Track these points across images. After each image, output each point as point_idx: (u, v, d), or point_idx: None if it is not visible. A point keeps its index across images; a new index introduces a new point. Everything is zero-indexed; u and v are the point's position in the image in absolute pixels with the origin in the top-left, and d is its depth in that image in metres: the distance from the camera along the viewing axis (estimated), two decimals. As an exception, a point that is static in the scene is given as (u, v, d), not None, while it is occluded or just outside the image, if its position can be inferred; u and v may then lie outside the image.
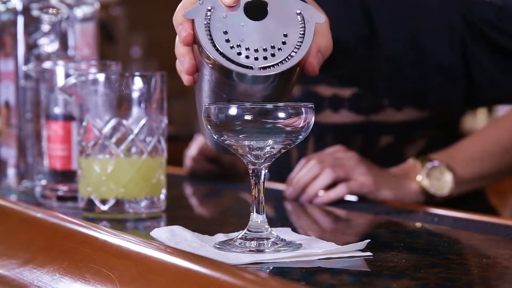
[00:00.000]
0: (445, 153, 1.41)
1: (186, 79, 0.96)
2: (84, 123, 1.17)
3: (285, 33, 0.92)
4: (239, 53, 0.92)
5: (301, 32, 0.93)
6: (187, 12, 0.91)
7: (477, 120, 3.12)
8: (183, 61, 0.94)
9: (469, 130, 2.75)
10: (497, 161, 1.43)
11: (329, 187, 1.31)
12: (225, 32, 0.92)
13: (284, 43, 0.92)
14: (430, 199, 1.37)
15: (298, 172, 1.33)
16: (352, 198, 1.34)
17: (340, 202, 1.31)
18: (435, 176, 1.37)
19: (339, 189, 1.30)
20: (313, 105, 0.93)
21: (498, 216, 1.24)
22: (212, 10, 0.92)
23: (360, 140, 1.53)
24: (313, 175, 1.30)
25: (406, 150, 1.52)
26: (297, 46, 0.92)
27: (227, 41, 0.91)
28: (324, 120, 1.54)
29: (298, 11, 0.93)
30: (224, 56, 0.91)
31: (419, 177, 1.37)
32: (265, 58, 0.92)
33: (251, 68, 0.91)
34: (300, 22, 0.93)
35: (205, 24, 0.91)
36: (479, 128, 2.72)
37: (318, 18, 0.93)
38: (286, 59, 0.92)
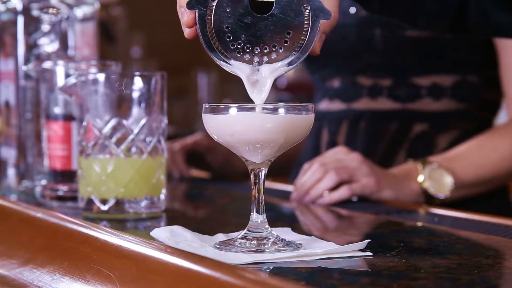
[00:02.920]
0: (444, 157, 1.42)
1: (186, 32, 0.93)
2: (84, 123, 1.17)
3: (288, 30, 0.92)
4: (239, 52, 0.91)
5: (305, 32, 0.92)
6: (190, 3, 0.90)
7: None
8: (183, 13, 0.91)
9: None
10: (494, 167, 1.44)
11: (333, 188, 1.31)
12: (227, 28, 0.91)
13: (286, 42, 0.92)
14: (430, 200, 1.38)
15: (302, 176, 1.33)
16: (353, 198, 1.34)
17: (340, 202, 1.31)
18: (435, 178, 1.38)
19: (342, 191, 1.30)
20: (313, 105, 0.93)
21: (498, 216, 1.24)
22: (216, 0, 0.91)
23: (394, 127, 1.54)
24: (316, 178, 1.31)
25: (439, 139, 1.53)
26: (299, 45, 0.92)
27: (228, 37, 0.91)
28: (361, 106, 1.56)
29: (305, 6, 0.92)
30: (221, 54, 0.91)
31: (420, 178, 1.37)
32: (265, 57, 0.92)
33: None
34: (306, 19, 0.92)
35: (207, 17, 0.90)
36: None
37: (325, 15, 0.91)
38: (286, 60, 0.92)
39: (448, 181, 1.38)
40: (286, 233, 0.99)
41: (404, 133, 1.54)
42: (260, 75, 0.92)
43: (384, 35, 1.52)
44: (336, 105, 1.61)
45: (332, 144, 1.60)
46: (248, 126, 0.90)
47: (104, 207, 1.16)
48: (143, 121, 1.17)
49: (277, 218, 1.21)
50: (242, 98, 4.28)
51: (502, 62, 1.48)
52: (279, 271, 0.85)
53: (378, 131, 1.55)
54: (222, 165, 1.69)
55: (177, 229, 0.96)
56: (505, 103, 1.52)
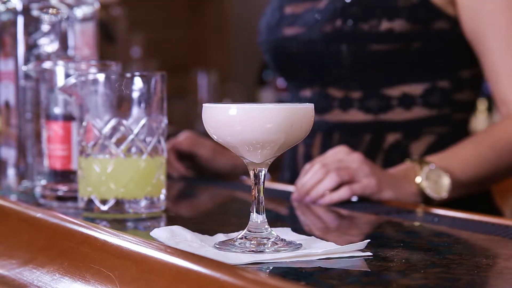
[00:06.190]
0: (441, 157, 1.41)
1: None
2: (84, 123, 1.17)
3: None
4: None
5: None
6: None
7: (477, 120, 3.12)
8: None
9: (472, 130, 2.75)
10: (492, 166, 1.44)
11: (333, 188, 1.31)
12: None
13: None
14: (427, 201, 1.37)
15: (303, 177, 1.33)
16: (353, 198, 1.34)
17: (341, 202, 1.31)
18: (433, 179, 1.37)
19: (342, 192, 1.30)
20: (312, 106, 0.93)
21: (498, 216, 1.24)
22: None
23: (368, 138, 1.54)
24: (317, 179, 1.31)
25: (413, 147, 1.53)
26: None
27: None
28: (333, 118, 1.55)
29: None
30: None
31: (418, 179, 1.37)
32: None
33: None
34: None
35: None
36: (479, 129, 2.71)
37: None
38: None
39: (445, 182, 1.38)
40: (286, 233, 0.99)
41: (378, 143, 1.54)
42: None
43: (351, 50, 1.51)
44: None
45: (307, 156, 1.59)
46: (248, 126, 0.90)
47: (104, 207, 1.16)
48: (143, 121, 1.17)
49: (277, 218, 1.21)
50: (242, 98, 4.27)
51: (488, 67, 1.47)
52: (279, 271, 0.85)
53: (351, 143, 1.54)
54: (209, 161, 1.68)
55: (177, 229, 0.96)
56: (496, 105, 1.51)
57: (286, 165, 1.67)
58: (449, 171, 1.39)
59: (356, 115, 1.54)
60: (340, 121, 1.55)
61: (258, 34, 1.70)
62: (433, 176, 1.37)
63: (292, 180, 1.61)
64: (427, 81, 1.52)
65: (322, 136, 1.58)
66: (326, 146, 1.56)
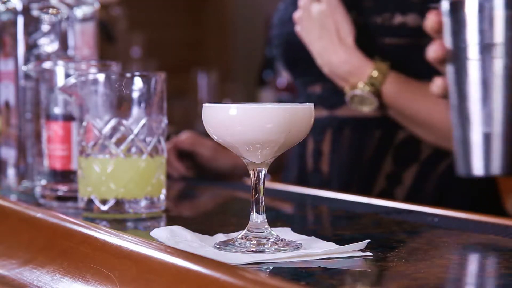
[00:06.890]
0: (400, 83, 1.45)
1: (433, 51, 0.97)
2: (84, 123, 1.17)
3: None
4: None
5: None
6: None
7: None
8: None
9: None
10: (414, 115, 1.47)
11: None
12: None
13: None
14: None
15: None
16: (354, 199, 1.34)
17: (339, 202, 1.31)
18: (360, 100, 1.42)
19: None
20: (312, 105, 0.93)
21: (498, 216, 1.23)
22: None
23: (378, 134, 1.54)
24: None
25: (424, 144, 1.53)
26: None
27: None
28: (344, 113, 1.56)
29: None
30: None
31: (355, 89, 1.44)
32: None
33: None
34: None
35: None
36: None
37: None
38: None
39: (365, 110, 1.45)
40: (286, 233, 0.99)
41: (389, 140, 1.54)
42: None
43: (363, 42, 1.51)
44: (319, 112, 1.60)
45: (317, 153, 1.59)
46: (248, 126, 0.90)
47: (104, 207, 1.16)
48: (143, 121, 1.17)
49: (277, 218, 1.21)
50: (242, 98, 4.27)
51: None
52: (279, 271, 0.85)
53: (362, 139, 1.54)
54: (209, 160, 1.68)
55: (177, 229, 0.96)
56: None
57: (293, 163, 1.67)
58: (387, 104, 1.45)
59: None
60: (350, 116, 1.56)
61: (270, 28, 1.72)
62: (366, 100, 1.42)
63: (299, 179, 1.61)
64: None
65: (332, 132, 1.58)
66: (336, 142, 1.56)
